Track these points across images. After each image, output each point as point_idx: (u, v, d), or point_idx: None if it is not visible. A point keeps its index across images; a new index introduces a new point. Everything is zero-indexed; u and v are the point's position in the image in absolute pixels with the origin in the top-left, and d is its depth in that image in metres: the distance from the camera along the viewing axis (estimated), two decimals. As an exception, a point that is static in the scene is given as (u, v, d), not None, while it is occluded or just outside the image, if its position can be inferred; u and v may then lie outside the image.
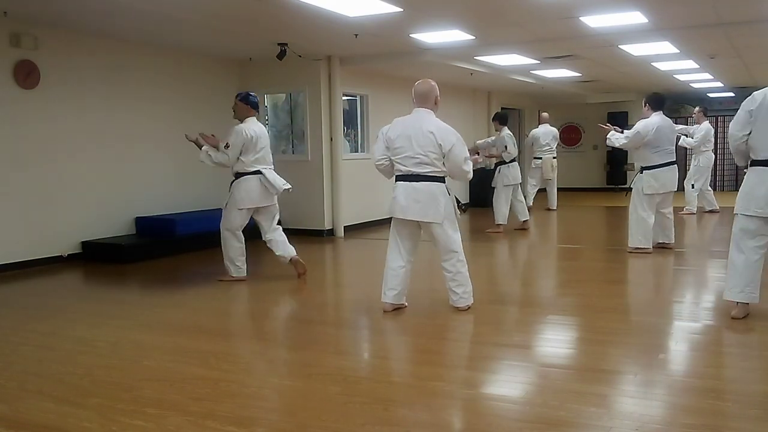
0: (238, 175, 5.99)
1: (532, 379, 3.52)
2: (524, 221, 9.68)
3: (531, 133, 12.30)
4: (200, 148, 6.01)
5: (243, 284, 6.08)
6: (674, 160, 7.07)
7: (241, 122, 5.97)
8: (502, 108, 14.09)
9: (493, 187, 9.58)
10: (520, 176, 9.62)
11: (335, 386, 3.39)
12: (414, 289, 5.07)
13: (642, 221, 7.07)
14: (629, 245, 7.19)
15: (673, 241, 7.36)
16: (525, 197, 11.97)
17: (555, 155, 12.03)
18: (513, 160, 9.46)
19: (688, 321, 4.69)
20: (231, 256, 6.12)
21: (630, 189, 7.28)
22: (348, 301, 5.78)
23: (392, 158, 4.71)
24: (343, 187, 9.42)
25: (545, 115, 12.24)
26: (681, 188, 9.94)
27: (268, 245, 6.22)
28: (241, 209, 6.00)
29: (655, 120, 6.91)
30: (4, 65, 6.69)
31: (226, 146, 5.88)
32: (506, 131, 9.46)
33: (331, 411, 3.07)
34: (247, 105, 6.02)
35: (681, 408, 3.06)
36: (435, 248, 4.81)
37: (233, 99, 6.12)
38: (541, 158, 11.89)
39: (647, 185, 6.97)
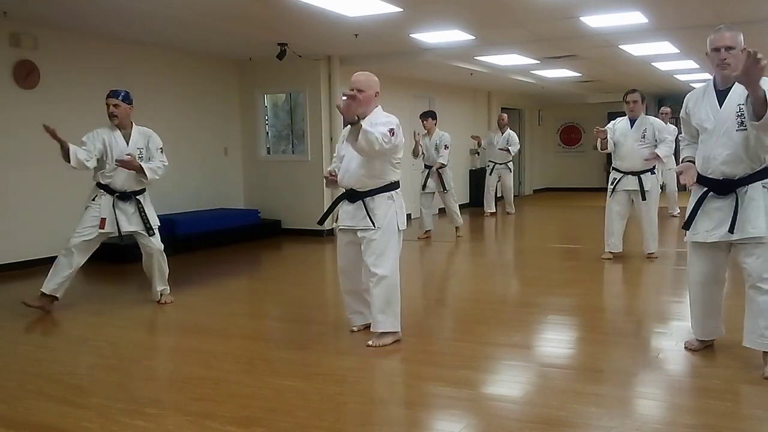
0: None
1: (532, 379, 3.52)
2: (426, 231, 8.88)
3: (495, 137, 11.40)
4: (64, 148, 4.88)
5: (243, 284, 6.07)
6: None
7: (128, 127, 5.21)
8: (502, 108, 14.08)
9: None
10: (433, 185, 8.80)
11: (335, 386, 3.39)
12: (411, 290, 5.06)
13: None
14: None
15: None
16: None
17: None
18: (441, 166, 8.77)
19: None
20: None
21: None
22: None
23: None
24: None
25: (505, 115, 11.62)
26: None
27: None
28: None
29: None
30: (4, 65, 6.69)
31: (161, 151, 5.24)
32: (441, 134, 8.84)
33: (331, 411, 3.07)
34: (131, 106, 5.17)
35: (681, 408, 3.06)
36: None
37: (106, 99, 5.16)
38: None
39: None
